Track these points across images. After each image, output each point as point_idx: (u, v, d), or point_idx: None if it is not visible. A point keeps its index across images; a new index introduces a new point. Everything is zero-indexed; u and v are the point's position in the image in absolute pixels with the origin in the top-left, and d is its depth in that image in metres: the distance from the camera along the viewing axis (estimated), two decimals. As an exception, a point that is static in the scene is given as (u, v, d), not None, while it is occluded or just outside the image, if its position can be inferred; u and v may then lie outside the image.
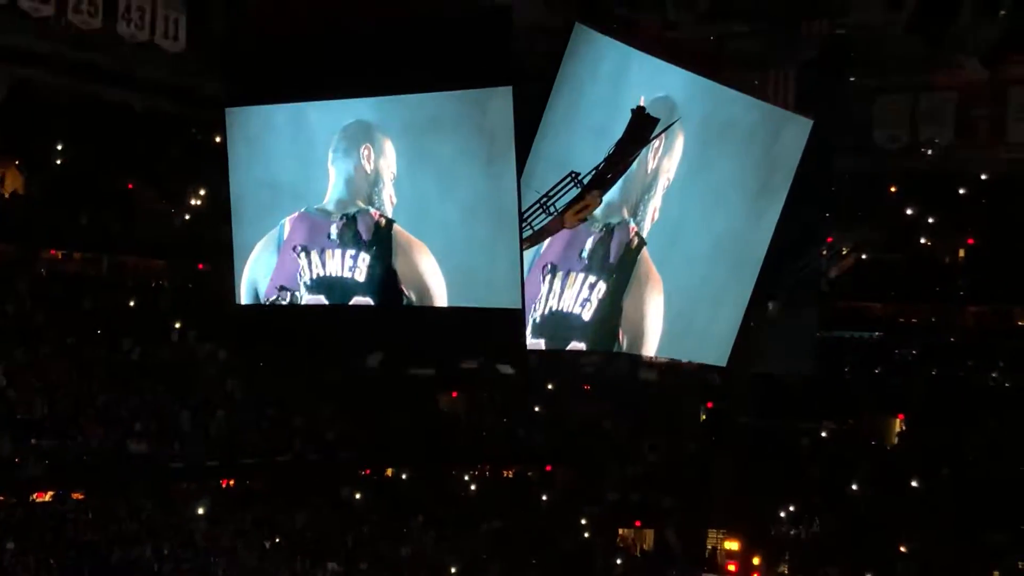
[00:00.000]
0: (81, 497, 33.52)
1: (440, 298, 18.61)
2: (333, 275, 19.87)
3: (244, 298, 21.05)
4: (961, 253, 48.07)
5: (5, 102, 40.43)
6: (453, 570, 38.42)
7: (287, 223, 20.26)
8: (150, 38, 25.63)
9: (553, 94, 18.40)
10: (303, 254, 20.10)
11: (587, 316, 20.48)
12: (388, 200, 19.06)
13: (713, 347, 23.81)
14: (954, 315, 47.47)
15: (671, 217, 21.16)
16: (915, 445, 44.80)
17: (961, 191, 46.86)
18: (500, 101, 17.53)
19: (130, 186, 42.56)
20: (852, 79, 27.63)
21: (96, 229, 39.28)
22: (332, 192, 19.71)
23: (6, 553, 30.29)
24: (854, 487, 44.27)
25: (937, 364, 47.12)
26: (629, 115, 18.41)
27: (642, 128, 18.36)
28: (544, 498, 44.37)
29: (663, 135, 19.20)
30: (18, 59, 38.00)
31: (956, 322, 47.44)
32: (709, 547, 43.98)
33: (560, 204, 18.38)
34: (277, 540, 35.93)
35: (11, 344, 35.07)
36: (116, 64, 35.36)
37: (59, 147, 41.43)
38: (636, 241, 20.62)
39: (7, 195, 38.58)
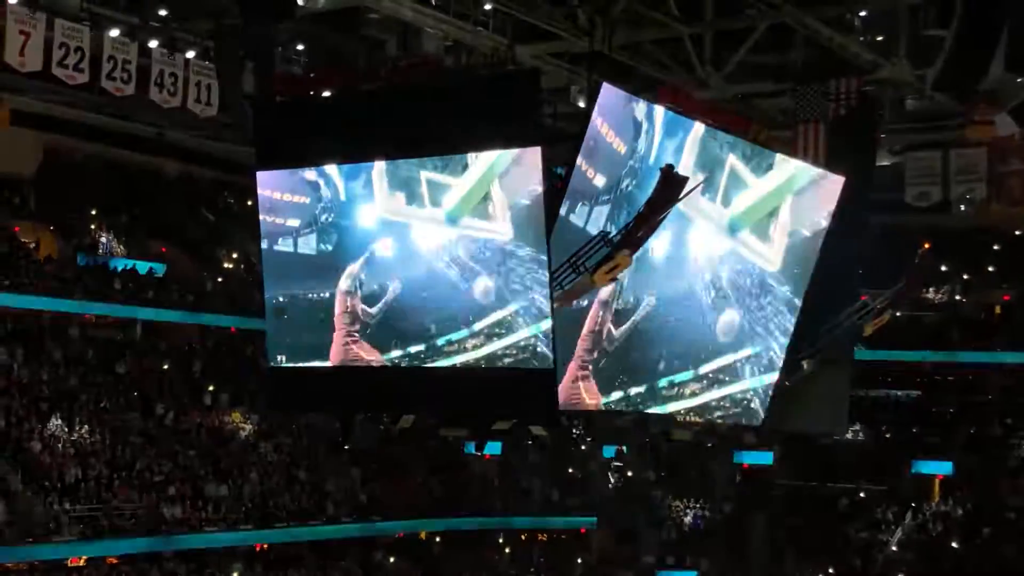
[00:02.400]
0: (115, 562, 33.44)
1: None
2: None
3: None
4: (997, 309, 47.76)
5: (40, 168, 41.05)
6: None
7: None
8: (182, 104, 25.91)
9: (582, 154, 18.42)
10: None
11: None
12: None
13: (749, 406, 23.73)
14: (991, 372, 47.08)
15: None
16: (954, 505, 44.22)
17: (995, 247, 46.69)
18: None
19: (163, 250, 42.94)
20: (882, 136, 27.64)
21: (129, 293, 39.53)
22: None
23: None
24: (894, 548, 43.70)
25: (975, 422, 46.65)
26: (658, 174, 18.38)
27: (671, 187, 18.30)
28: (579, 561, 43.96)
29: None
30: (53, 126, 38.67)
31: (993, 379, 47.03)
32: (747, 610, 43.45)
33: (590, 264, 18.32)
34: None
35: (45, 409, 35.18)
36: (148, 130, 35.85)
37: (92, 212, 41.86)
38: None
39: (42, 260, 38.89)
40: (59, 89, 27.72)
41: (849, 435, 45.11)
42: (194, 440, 37.90)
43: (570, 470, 46.83)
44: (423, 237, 19.32)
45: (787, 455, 46.56)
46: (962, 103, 25.66)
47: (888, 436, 47.60)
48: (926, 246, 43.73)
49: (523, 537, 43.97)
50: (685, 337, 21.59)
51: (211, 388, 40.23)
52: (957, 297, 48.02)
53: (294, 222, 20.73)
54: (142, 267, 41.05)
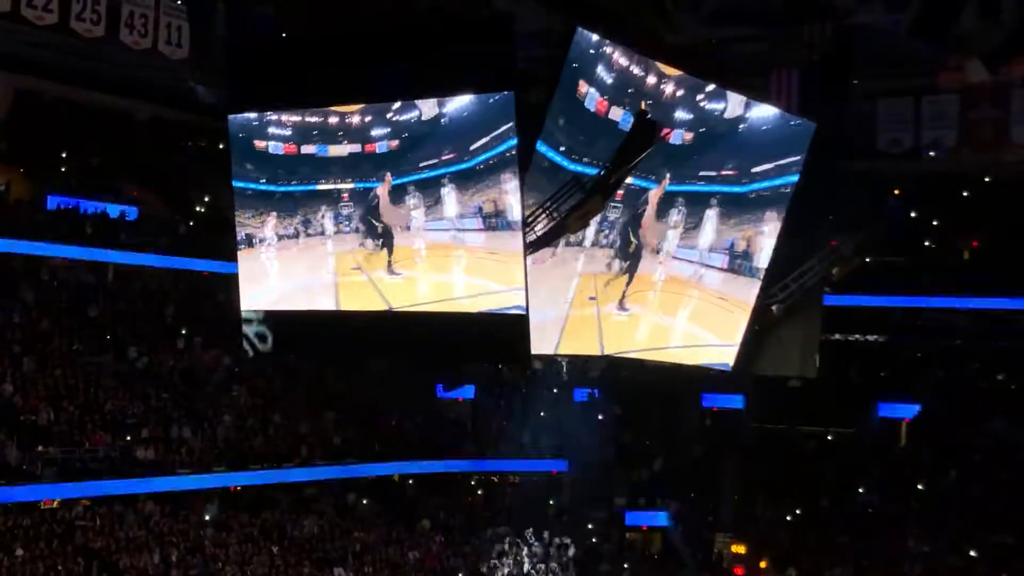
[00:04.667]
0: (88, 504, 33.58)
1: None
2: None
3: None
4: (966, 255, 48.10)
5: (10, 110, 40.70)
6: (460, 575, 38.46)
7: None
8: (153, 46, 25.69)
9: (555, 99, 18.44)
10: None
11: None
12: None
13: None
14: (959, 317, 47.47)
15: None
16: (922, 448, 44.76)
17: (965, 193, 46.93)
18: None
19: (135, 193, 42.74)
20: (855, 82, 27.68)
21: (101, 236, 39.39)
22: None
23: (15, 560, 30.34)
24: (861, 490, 44.25)
25: (943, 366, 47.11)
26: (631, 119, 18.44)
27: (645, 132, 18.38)
28: (551, 503, 44.36)
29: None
30: (22, 68, 38.24)
31: (961, 324, 47.41)
32: (716, 551, 43.90)
33: (563, 209, 18.41)
34: (284, 545, 35.99)
35: (18, 351, 35.15)
36: (119, 72, 35.51)
37: (64, 155, 41.61)
38: None
39: (12, 202, 38.68)
40: (28, 31, 27.39)
41: (817, 378, 45.43)
42: (167, 382, 37.96)
43: (542, 413, 47.11)
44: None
45: (756, 398, 47.03)
46: (935, 49, 25.67)
47: (856, 380, 48.00)
48: (896, 192, 44.05)
49: (496, 480, 44.31)
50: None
51: (184, 331, 40.24)
52: (927, 243, 48.34)
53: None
54: (114, 210, 40.88)
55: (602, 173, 18.44)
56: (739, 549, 43.57)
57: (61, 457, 32.97)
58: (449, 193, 18.71)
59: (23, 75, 39.88)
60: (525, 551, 40.57)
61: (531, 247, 18.46)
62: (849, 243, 25.13)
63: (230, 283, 21.98)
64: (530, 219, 18.31)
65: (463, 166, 18.49)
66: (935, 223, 48.47)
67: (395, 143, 19.07)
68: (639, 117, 18.53)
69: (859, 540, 41.58)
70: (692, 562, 43.31)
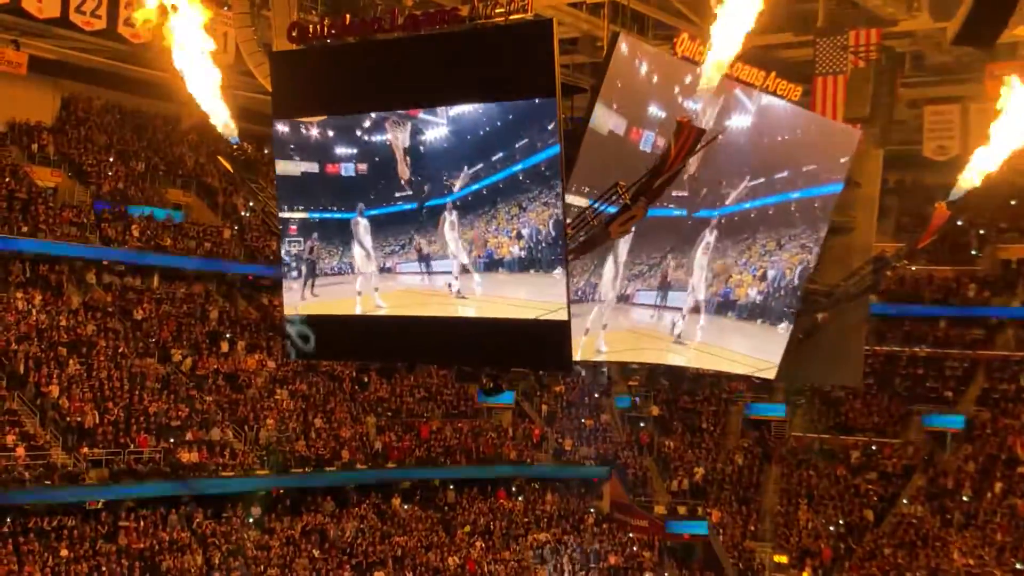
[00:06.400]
0: (132, 505, 33.79)
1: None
2: None
3: None
4: (1013, 264, 47.67)
5: (58, 115, 41.17)
6: (500, 581, 38.43)
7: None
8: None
9: (598, 105, 18.43)
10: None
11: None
12: None
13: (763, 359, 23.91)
14: (1005, 327, 47.04)
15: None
16: (967, 459, 44.34)
17: (1012, 202, 46.57)
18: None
19: (181, 197, 43.07)
20: (901, 89, 27.56)
21: (147, 240, 39.72)
22: None
23: (59, 560, 30.59)
24: (905, 501, 43.90)
25: (989, 377, 46.68)
26: (674, 125, 18.38)
27: (687, 138, 18.30)
28: (592, 510, 44.25)
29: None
30: (71, 73, 38.65)
31: (1007, 334, 46.99)
32: (757, 561, 43.65)
33: (606, 215, 18.36)
34: (325, 549, 36.08)
35: (64, 354, 35.45)
36: (166, 77, 35.80)
37: (110, 159, 41.98)
38: None
39: (60, 206, 39.03)
40: (77, 36, 27.73)
41: (863, 388, 45.26)
42: (211, 386, 38.15)
43: (583, 420, 47.06)
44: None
45: (800, 408, 46.87)
46: (982, 56, 25.52)
47: (901, 390, 47.69)
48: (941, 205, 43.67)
49: (536, 486, 44.25)
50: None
51: (228, 335, 40.43)
52: (972, 252, 47.94)
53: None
54: (160, 214, 41.22)
55: (645, 178, 18.38)
56: (781, 559, 43.29)
57: (106, 459, 33.24)
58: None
59: (70, 80, 40.41)
60: (565, 558, 40.50)
61: (573, 253, 18.45)
62: (895, 251, 25.01)
63: (274, 287, 22.11)
64: (573, 225, 18.29)
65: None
66: (981, 232, 48.10)
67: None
68: (682, 122, 18.47)
69: (903, 552, 41.25)
70: (733, 572, 43.06)
